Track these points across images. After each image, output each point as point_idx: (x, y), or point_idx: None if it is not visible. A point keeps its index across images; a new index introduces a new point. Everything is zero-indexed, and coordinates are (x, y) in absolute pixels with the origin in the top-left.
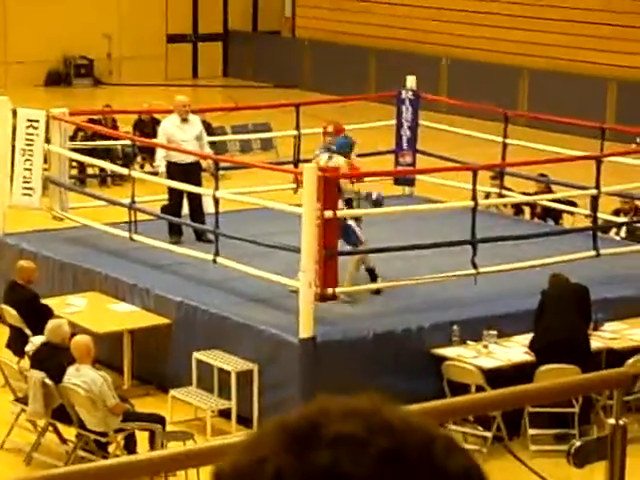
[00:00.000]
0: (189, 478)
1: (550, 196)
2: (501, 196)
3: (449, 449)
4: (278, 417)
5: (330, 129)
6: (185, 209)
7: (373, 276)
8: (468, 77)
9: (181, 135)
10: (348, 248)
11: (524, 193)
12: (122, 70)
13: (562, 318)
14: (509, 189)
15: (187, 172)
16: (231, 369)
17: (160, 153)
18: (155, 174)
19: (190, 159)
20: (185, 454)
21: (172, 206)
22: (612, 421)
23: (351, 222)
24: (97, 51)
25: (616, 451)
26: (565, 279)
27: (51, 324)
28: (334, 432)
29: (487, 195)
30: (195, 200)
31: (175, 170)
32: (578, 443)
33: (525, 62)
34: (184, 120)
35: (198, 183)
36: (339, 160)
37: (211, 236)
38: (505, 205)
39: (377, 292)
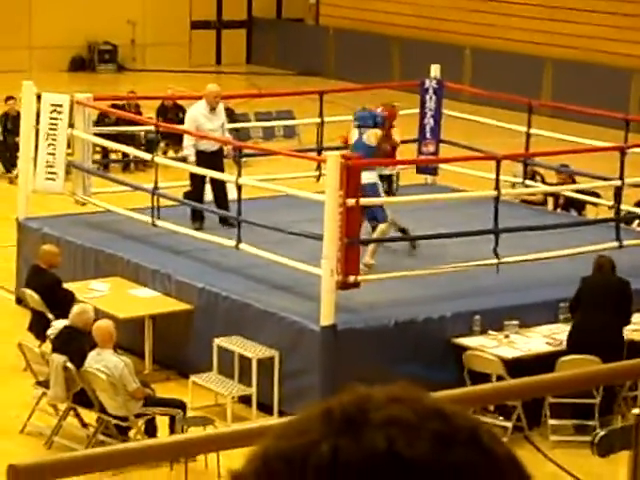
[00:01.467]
0: (209, 463)
1: (573, 187)
2: (526, 186)
3: (492, 435)
4: (317, 405)
5: (379, 110)
6: (208, 195)
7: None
8: (492, 67)
9: (209, 124)
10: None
11: (547, 183)
12: (146, 56)
13: (595, 314)
14: (542, 176)
15: (212, 159)
16: (252, 356)
17: (188, 141)
18: (183, 160)
19: (215, 147)
20: (205, 439)
21: (194, 192)
22: (636, 411)
23: (382, 197)
24: (121, 37)
25: None
26: (608, 267)
27: (77, 308)
28: (384, 416)
29: (513, 185)
30: (220, 187)
31: (201, 157)
32: (602, 433)
33: (549, 52)
34: (212, 109)
35: (221, 170)
36: (371, 133)
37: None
38: (534, 195)
39: (413, 247)
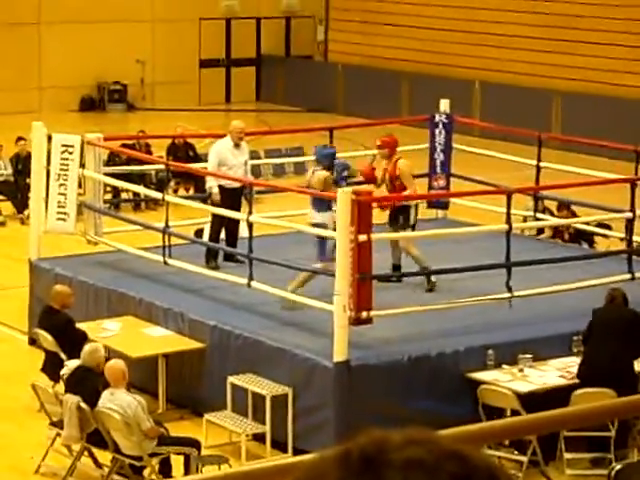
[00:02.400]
0: None
1: (585, 219)
2: (536, 220)
3: (508, 475)
4: (333, 447)
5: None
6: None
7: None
8: (501, 100)
9: (233, 160)
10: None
11: (557, 216)
12: (155, 95)
13: (606, 345)
14: (551, 211)
15: (233, 196)
16: (265, 393)
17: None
18: (204, 199)
19: (236, 184)
20: (221, 478)
21: (212, 229)
22: None
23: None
24: (130, 76)
25: None
26: (620, 300)
27: (88, 347)
28: (403, 457)
29: (525, 219)
30: (233, 225)
31: (223, 194)
32: (619, 466)
33: (558, 85)
34: (236, 145)
35: (239, 208)
36: (319, 174)
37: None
38: (543, 229)
39: (430, 289)
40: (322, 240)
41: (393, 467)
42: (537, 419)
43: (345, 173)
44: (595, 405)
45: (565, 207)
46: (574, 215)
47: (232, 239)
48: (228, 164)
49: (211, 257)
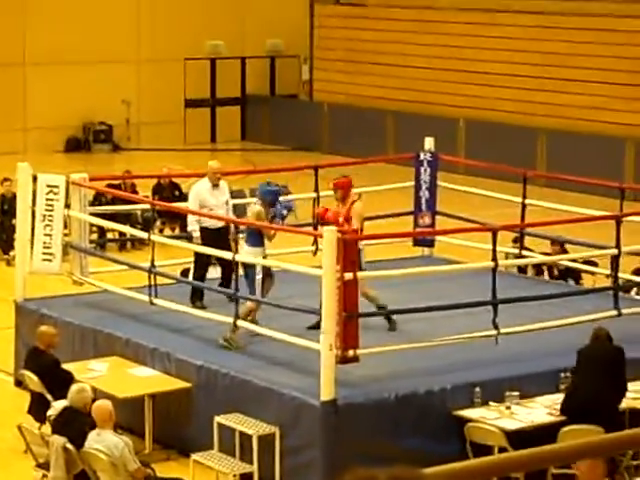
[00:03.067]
0: None
1: (571, 256)
2: (521, 257)
3: None
4: None
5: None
6: (210, 274)
7: (382, 309)
8: (485, 138)
9: (213, 201)
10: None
11: (544, 254)
12: (141, 135)
13: (590, 381)
14: (530, 250)
15: (217, 237)
16: (252, 433)
17: (193, 217)
18: (189, 237)
19: (220, 224)
20: None
21: (197, 270)
22: None
23: (258, 275)
24: (116, 117)
25: None
26: (604, 337)
27: (75, 387)
28: None
29: (507, 256)
30: (228, 266)
31: (205, 234)
32: None
33: (542, 123)
34: (215, 186)
35: (228, 248)
36: (253, 208)
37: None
38: (525, 267)
39: (392, 329)
40: (248, 277)
41: None
42: (524, 456)
43: (285, 212)
44: (582, 442)
45: (558, 243)
46: (564, 252)
47: (229, 281)
48: (208, 205)
49: (196, 297)
